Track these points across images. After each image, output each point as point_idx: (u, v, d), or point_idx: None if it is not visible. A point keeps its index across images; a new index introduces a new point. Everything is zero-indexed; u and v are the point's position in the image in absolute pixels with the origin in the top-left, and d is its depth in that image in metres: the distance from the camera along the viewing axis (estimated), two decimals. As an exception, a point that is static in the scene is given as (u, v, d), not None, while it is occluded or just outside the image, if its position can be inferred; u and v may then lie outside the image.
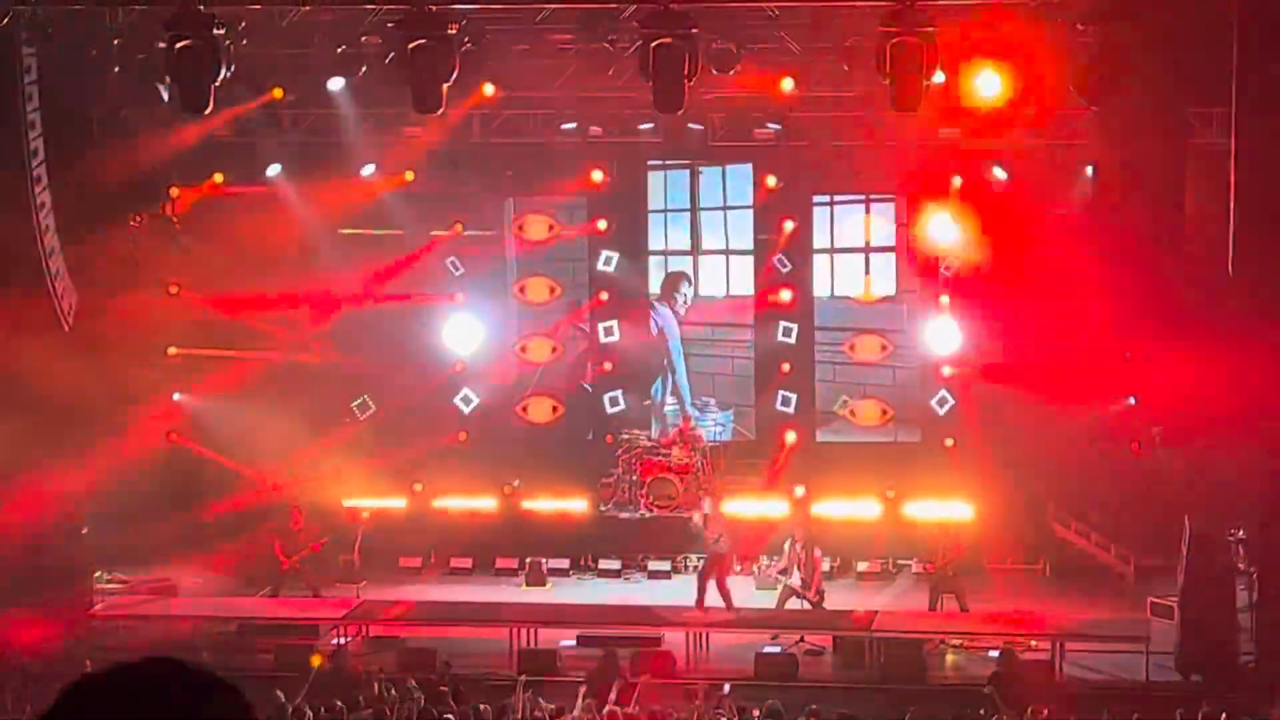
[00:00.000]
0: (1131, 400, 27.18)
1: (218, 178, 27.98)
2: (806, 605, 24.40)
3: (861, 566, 27.07)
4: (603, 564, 27.62)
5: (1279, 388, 20.74)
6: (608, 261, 29.35)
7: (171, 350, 27.97)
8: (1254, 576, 22.73)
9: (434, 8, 19.63)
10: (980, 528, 26.53)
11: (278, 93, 25.61)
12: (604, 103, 26.24)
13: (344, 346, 28.66)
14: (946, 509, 27.00)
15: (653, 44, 19.42)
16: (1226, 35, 18.83)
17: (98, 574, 25.40)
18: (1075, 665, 22.53)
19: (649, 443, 28.42)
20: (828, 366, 29.38)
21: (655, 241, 29.53)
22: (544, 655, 22.88)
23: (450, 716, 19.35)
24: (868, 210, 28.94)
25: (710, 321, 29.67)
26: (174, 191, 27.96)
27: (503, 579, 27.30)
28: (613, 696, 20.28)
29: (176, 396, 28.23)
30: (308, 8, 20.81)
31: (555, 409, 29.83)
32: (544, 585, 26.94)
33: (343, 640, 23.66)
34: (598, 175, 28.49)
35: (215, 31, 19.53)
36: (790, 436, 28.76)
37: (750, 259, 29.31)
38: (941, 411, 28.45)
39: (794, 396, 29.08)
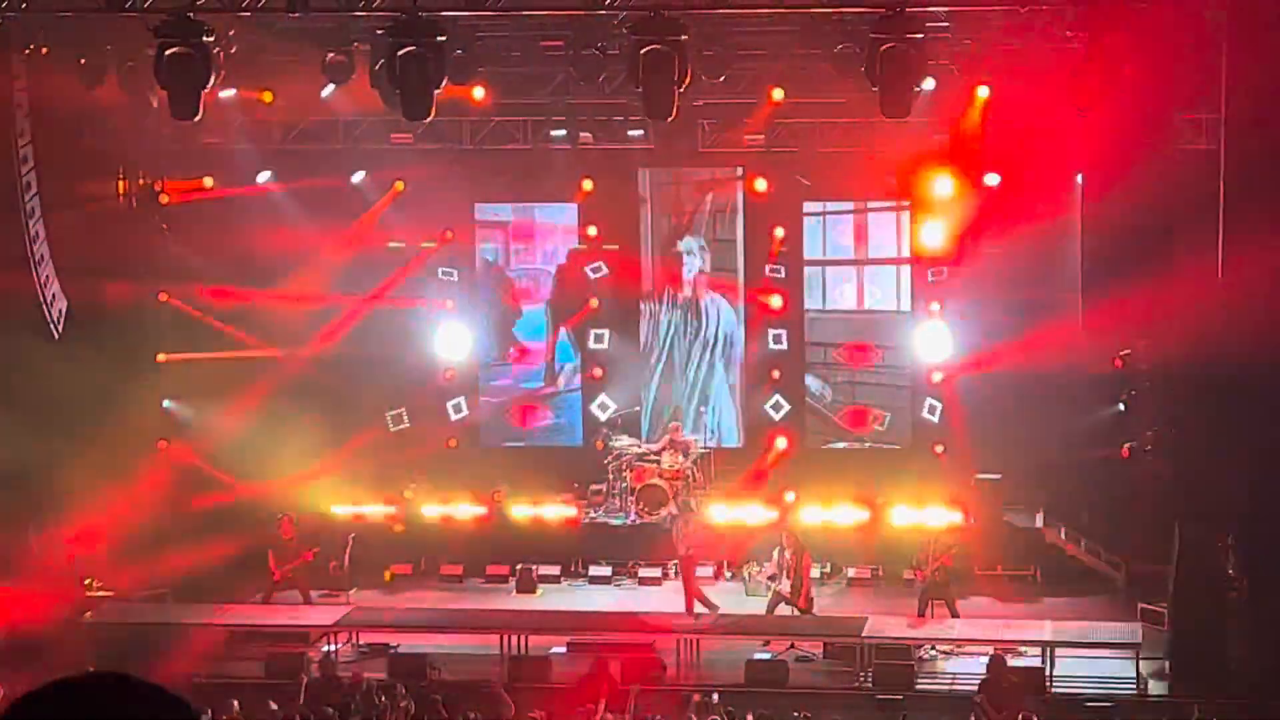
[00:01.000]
0: (1121, 407, 27.22)
1: (207, 182, 27.99)
2: (795, 612, 24.39)
3: (851, 573, 27.06)
4: (593, 570, 27.58)
5: None
6: (596, 269, 29.36)
7: (160, 357, 27.96)
8: (1244, 583, 22.73)
9: (424, 14, 19.62)
10: (970, 534, 26.53)
11: (267, 97, 25.60)
12: (594, 109, 26.25)
13: (336, 353, 28.64)
14: (936, 515, 27.00)
15: (642, 50, 19.42)
16: (1215, 41, 18.86)
17: (88, 581, 25.35)
18: (1066, 672, 22.52)
19: (639, 449, 28.40)
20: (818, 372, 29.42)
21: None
22: (534, 662, 22.86)
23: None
24: (863, 219, 28.97)
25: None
26: (163, 198, 27.96)
27: (493, 586, 27.27)
28: (603, 704, 20.28)
29: (166, 404, 28.21)
30: (297, 15, 20.78)
31: (545, 415, 29.84)
32: (534, 592, 26.91)
33: (333, 647, 23.63)
34: (588, 181, 28.53)
35: (205, 38, 19.52)
36: (780, 443, 28.77)
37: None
38: (932, 418, 28.47)
39: (784, 403, 29.10)
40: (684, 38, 19.55)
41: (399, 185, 28.43)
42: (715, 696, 20.62)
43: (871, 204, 28.75)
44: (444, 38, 19.88)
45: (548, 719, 19.94)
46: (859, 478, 27.70)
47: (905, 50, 19.01)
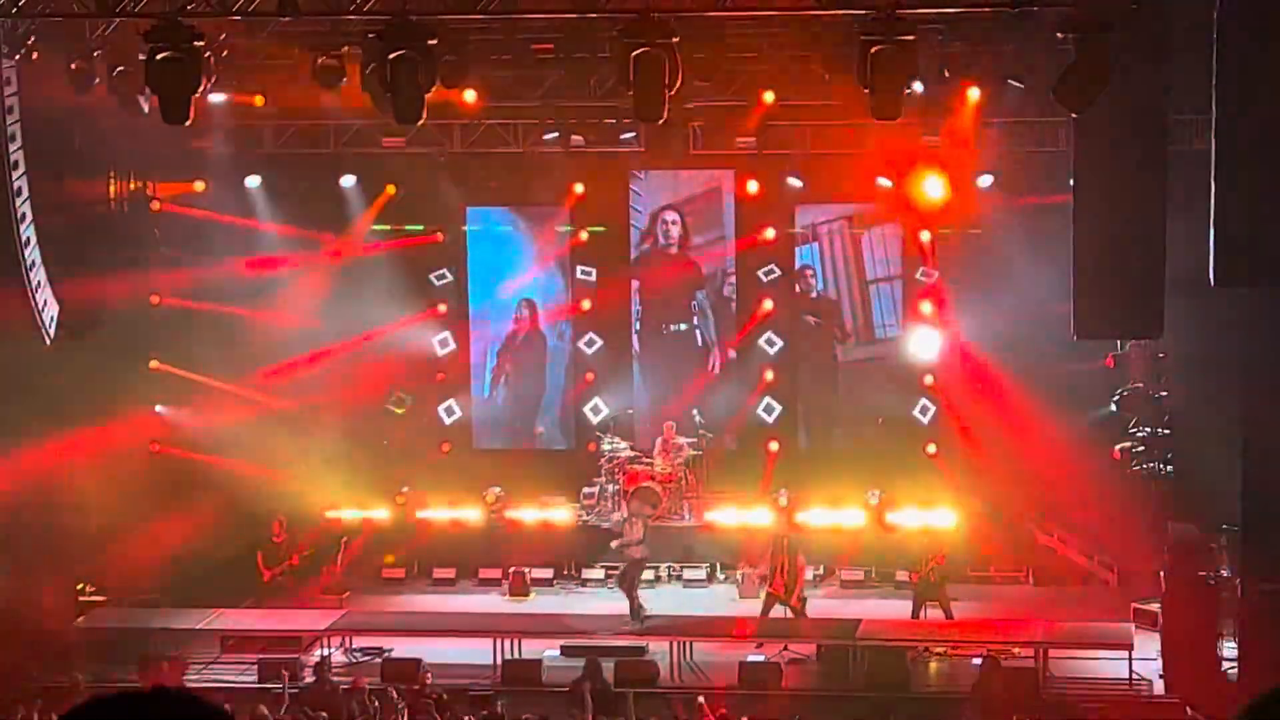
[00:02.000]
0: (1113, 407, 27.25)
1: (198, 186, 27.98)
2: (788, 613, 24.39)
3: (845, 574, 27.07)
4: (586, 574, 27.59)
5: None
6: (588, 272, 29.39)
7: (153, 364, 27.96)
8: (1237, 584, 22.75)
9: (415, 18, 19.61)
10: (963, 535, 26.58)
11: (258, 101, 25.58)
12: (585, 112, 26.24)
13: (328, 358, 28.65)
14: (929, 517, 27.04)
15: (633, 53, 19.41)
16: (1206, 41, 18.86)
17: (80, 586, 25.33)
18: (1059, 672, 22.54)
19: (631, 452, 28.40)
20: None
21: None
22: (528, 665, 22.86)
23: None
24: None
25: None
26: (154, 203, 27.96)
27: (486, 589, 27.26)
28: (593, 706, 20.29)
29: (159, 408, 28.20)
30: (288, 18, 20.76)
31: (538, 418, 29.87)
32: (527, 595, 26.91)
33: (326, 652, 23.61)
34: (579, 184, 28.54)
35: (196, 43, 19.50)
36: (773, 445, 28.79)
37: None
38: (924, 419, 28.51)
39: (777, 405, 29.12)
40: (674, 40, 19.53)
41: (390, 189, 28.43)
42: (699, 700, 20.61)
43: (863, 204, 28.77)
44: (435, 41, 19.87)
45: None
46: (852, 479, 27.70)
47: (896, 52, 19.00)
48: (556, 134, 27.00)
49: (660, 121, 20.46)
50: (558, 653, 23.37)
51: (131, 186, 27.91)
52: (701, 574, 27.45)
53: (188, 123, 20.06)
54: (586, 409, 29.50)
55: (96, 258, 25.99)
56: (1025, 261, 26.17)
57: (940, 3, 20.78)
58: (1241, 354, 23.02)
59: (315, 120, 26.47)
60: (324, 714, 19.90)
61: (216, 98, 23.37)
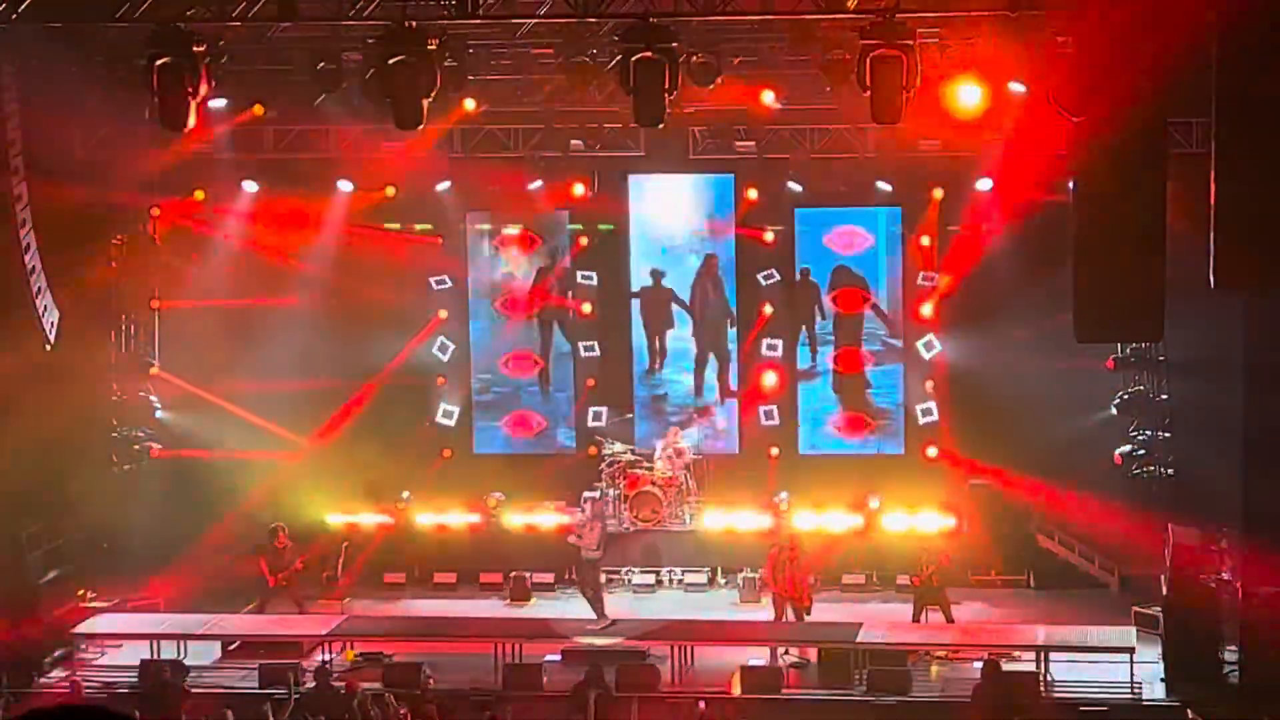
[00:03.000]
0: (1113, 410, 27.25)
1: (198, 194, 27.99)
2: (790, 614, 24.38)
3: (845, 579, 27.06)
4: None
5: None
6: (588, 276, 29.39)
7: (153, 370, 27.98)
8: (1238, 586, 22.76)
9: (414, 24, 19.63)
10: (964, 539, 26.57)
11: (258, 110, 25.58)
12: (585, 117, 26.24)
13: (329, 360, 28.63)
14: (930, 520, 27.03)
15: (633, 58, 19.43)
16: (1206, 45, 18.86)
17: (81, 591, 25.35)
18: (1060, 676, 22.53)
19: (632, 456, 28.39)
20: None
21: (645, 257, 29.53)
22: (529, 670, 22.85)
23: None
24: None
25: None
26: (155, 210, 27.97)
27: (487, 594, 27.26)
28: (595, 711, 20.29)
29: (159, 414, 28.21)
30: (288, 24, 20.78)
31: (537, 423, 29.87)
32: (528, 600, 26.91)
33: (327, 657, 23.61)
34: (579, 189, 28.54)
35: (196, 49, 19.52)
36: (773, 450, 28.80)
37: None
38: (924, 422, 28.51)
39: (776, 409, 29.12)
40: (674, 45, 19.56)
41: (389, 190, 28.42)
42: (700, 705, 20.62)
43: (864, 207, 28.79)
44: (434, 46, 19.88)
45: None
46: (853, 483, 27.70)
47: (896, 56, 19.02)
48: (556, 138, 26.96)
49: (660, 126, 20.47)
50: (559, 657, 23.36)
51: (131, 192, 27.90)
52: (703, 578, 27.44)
53: (188, 128, 20.09)
54: (588, 413, 29.48)
55: (97, 262, 26.00)
56: (1026, 265, 26.20)
57: (940, 6, 20.78)
58: (1242, 357, 23.03)
59: (315, 125, 26.44)
60: (325, 718, 19.92)
61: (216, 103, 23.35)
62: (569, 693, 21.22)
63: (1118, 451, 27.06)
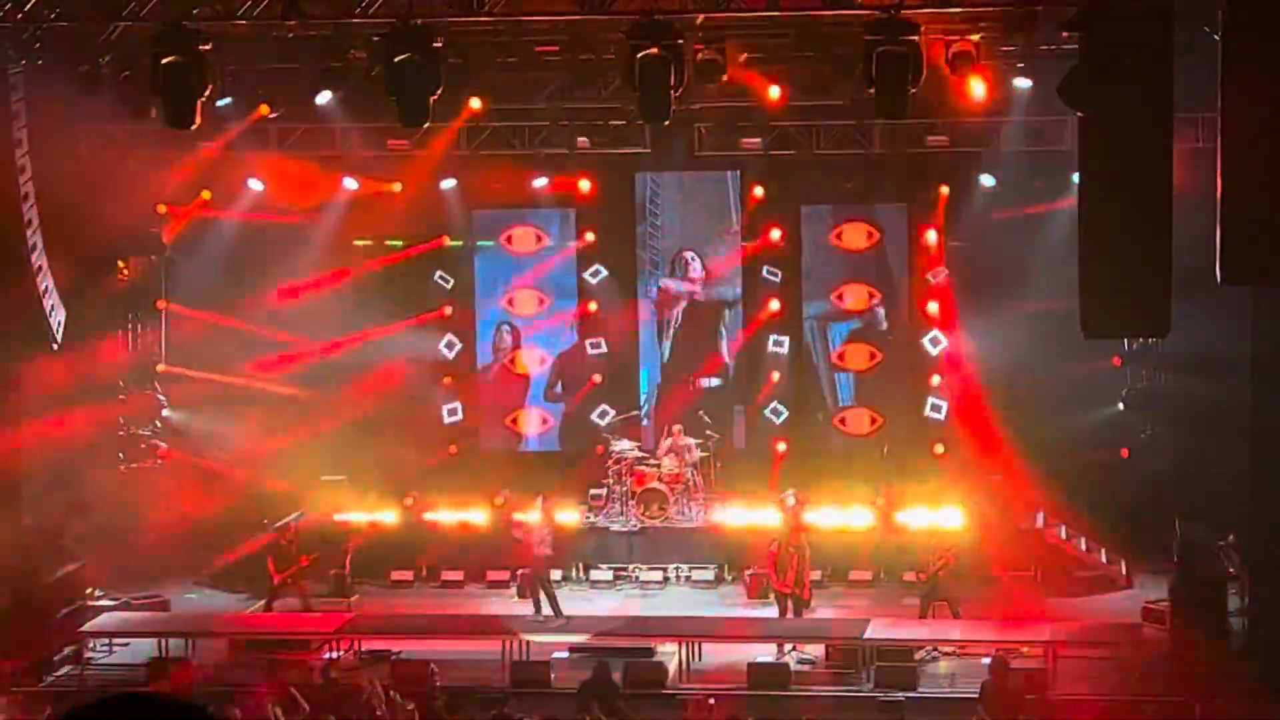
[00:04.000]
0: (1121, 406, 27.25)
1: (205, 194, 28.02)
2: (793, 606, 24.39)
3: (852, 575, 27.06)
4: (594, 575, 27.60)
5: None
6: (595, 273, 29.40)
7: (160, 368, 28.01)
8: (1245, 581, 22.75)
9: (420, 22, 19.63)
10: (971, 534, 26.56)
11: (264, 110, 25.60)
12: (591, 114, 26.24)
13: (333, 360, 28.70)
14: (937, 516, 27.03)
15: (638, 55, 19.42)
16: (1213, 37, 18.86)
17: (89, 590, 25.37)
18: (1068, 672, 22.52)
19: (639, 453, 28.40)
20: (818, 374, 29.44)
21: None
22: (536, 667, 22.85)
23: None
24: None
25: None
26: (162, 210, 28.00)
27: (494, 591, 27.26)
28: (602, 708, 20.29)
29: (166, 413, 28.24)
30: (294, 23, 20.79)
31: (544, 421, 29.89)
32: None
33: (335, 654, 23.62)
34: (585, 186, 28.54)
35: (202, 48, 19.52)
36: (780, 446, 28.81)
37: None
38: (933, 419, 28.49)
39: (783, 408, 29.13)
40: (680, 42, 19.55)
41: (396, 186, 28.44)
42: (711, 701, 20.61)
43: (869, 204, 28.79)
44: (440, 44, 19.89)
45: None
46: (860, 480, 27.71)
47: (901, 52, 19.01)
48: (562, 136, 26.96)
49: (666, 123, 20.46)
50: (567, 654, 23.37)
51: (138, 192, 27.92)
52: (709, 575, 27.44)
53: (193, 127, 20.10)
54: (593, 410, 29.50)
55: (104, 262, 26.02)
56: (1032, 260, 26.20)
57: (945, 2, 20.77)
58: (1250, 352, 23.01)
59: (321, 123, 26.45)
60: (331, 717, 19.91)
61: (222, 102, 23.37)
62: (576, 689, 21.22)
63: (1125, 447, 27.05)
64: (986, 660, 22.07)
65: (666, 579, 27.53)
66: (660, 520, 27.61)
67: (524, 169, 28.07)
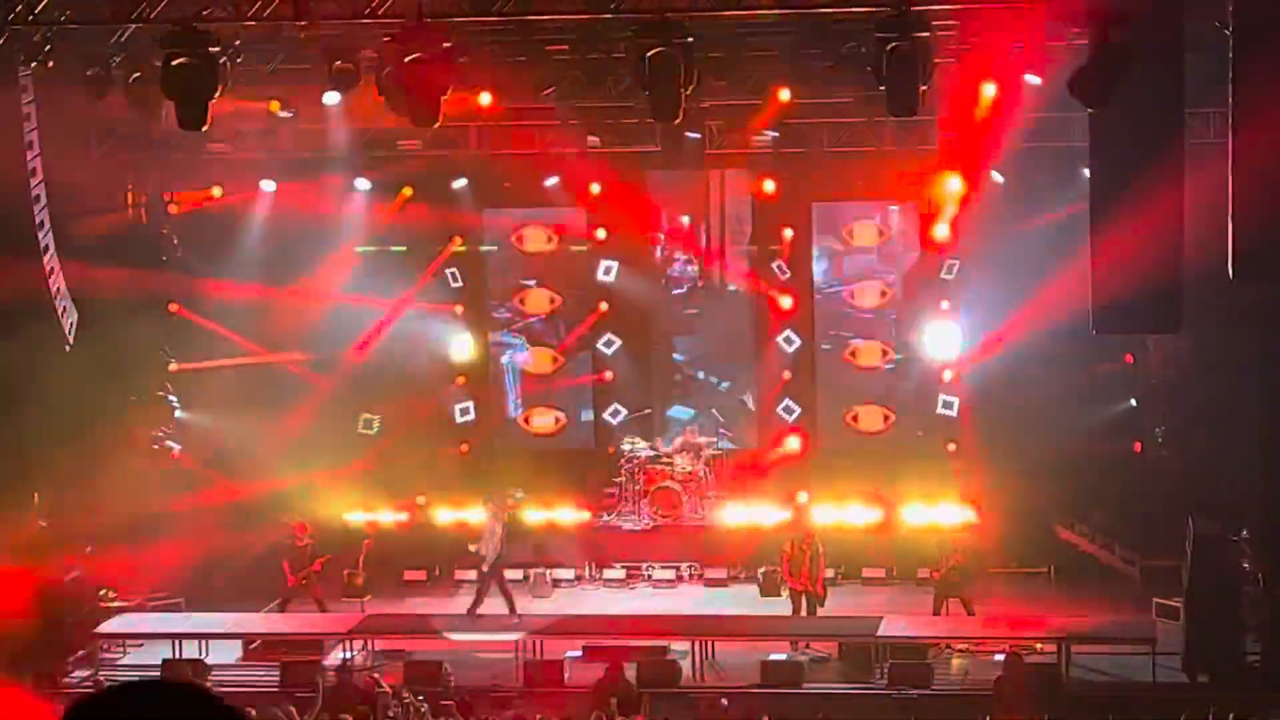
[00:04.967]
0: (1133, 401, 27.20)
1: (216, 191, 28.06)
2: (805, 604, 24.39)
3: (866, 572, 27.06)
4: (607, 574, 27.61)
5: None
6: (608, 271, 29.37)
7: (173, 367, 28.03)
8: (1259, 576, 22.72)
9: (429, 21, 19.62)
10: (984, 532, 26.55)
11: (274, 106, 25.62)
12: (601, 113, 26.24)
13: (344, 360, 28.71)
14: (950, 513, 27.02)
15: (648, 54, 19.41)
16: (1224, 33, 18.83)
17: (103, 591, 25.40)
18: (1081, 668, 22.51)
19: (652, 452, 28.40)
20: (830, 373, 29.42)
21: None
22: (550, 666, 22.86)
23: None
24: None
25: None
26: (172, 207, 28.04)
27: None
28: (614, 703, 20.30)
29: (178, 414, 28.26)
30: (303, 23, 20.79)
31: (557, 420, 29.89)
32: (548, 596, 26.93)
33: (349, 654, 23.64)
34: (596, 185, 28.55)
35: (212, 48, 19.53)
36: (792, 442, 28.79)
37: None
38: (944, 415, 28.45)
39: (795, 405, 29.10)
40: (689, 40, 19.53)
41: (407, 191, 28.46)
42: (724, 702, 20.62)
43: (880, 201, 28.78)
44: (450, 44, 19.89)
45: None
46: (872, 477, 27.70)
47: (911, 49, 18.99)
48: (573, 134, 26.96)
49: (676, 122, 20.46)
50: (580, 654, 23.38)
51: (149, 193, 27.98)
52: (722, 573, 27.43)
53: (204, 128, 20.11)
54: (606, 409, 29.50)
55: (115, 264, 26.04)
56: (1042, 256, 26.15)
57: (955, -1, 20.77)
58: (1262, 348, 22.98)
59: (332, 124, 26.44)
60: (348, 717, 19.94)
61: (233, 103, 23.38)
62: (590, 688, 21.23)
63: (1138, 443, 27.02)
64: (1000, 656, 22.09)
65: (679, 577, 27.52)
66: (672, 519, 27.61)
67: (535, 168, 28.05)
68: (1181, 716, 19.55)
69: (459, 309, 29.41)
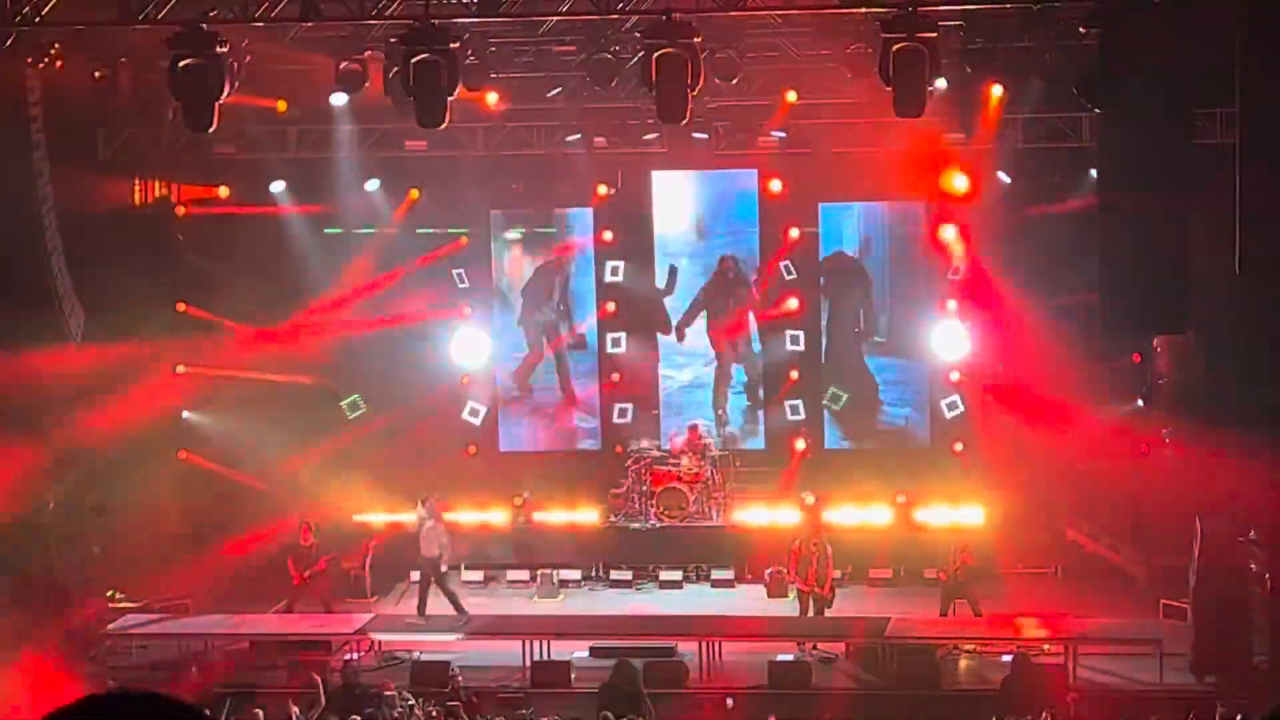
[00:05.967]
0: (1140, 402, 27.17)
1: (222, 192, 28.07)
2: (814, 606, 24.37)
3: (873, 573, 27.04)
4: (614, 575, 27.60)
5: None
6: (614, 271, 29.36)
7: (180, 369, 28.02)
8: (1266, 577, 22.68)
9: (437, 22, 19.64)
10: (991, 532, 26.54)
11: (281, 106, 25.63)
12: (608, 114, 26.24)
13: (352, 361, 28.71)
14: (957, 514, 27.01)
15: (655, 54, 19.41)
16: (1231, 33, 18.83)
17: (110, 593, 25.40)
18: (1088, 669, 22.48)
19: (658, 453, 28.40)
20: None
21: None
22: (557, 667, 22.86)
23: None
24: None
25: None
26: (179, 208, 28.06)
27: (515, 591, 27.28)
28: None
29: (186, 415, 28.27)
30: (310, 24, 20.80)
31: (564, 420, 29.86)
32: (556, 597, 26.93)
33: (355, 655, 23.64)
34: (603, 187, 28.55)
35: (219, 50, 19.55)
36: (799, 444, 28.79)
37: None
38: (951, 416, 28.44)
39: (802, 406, 29.08)
40: (696, 40, 19.54)
41: (414, 194, 28.47)
42: (729, 703, 20.61)
43: (886, 201, 28.76)
44: (457, 44, 19.90)
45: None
46: (879, 478, 27.68)
47: (918, 49, 18.99)
48: (580, 134, 26.97)
49: (683, 122, 20.46)
50: (587, 654, 23.37)
51: (156, 193, 27.98)
52: (729, 574, 27.42)
53: (211, 129, 20.12)
54: (613, 409, 29.48)
55: (122, 264, 26.04)
56: (1049, 257, 26.14)
57: (962, -1, 20.77)
58: (1269, 347, 22.94)
59: (339, 124, 26.45)
60: (356, 718, 19.93)
61: (239, 103, 23.39)
62: (597, 689, 21.22)
63: (1145, 442, 26.97)
64: (1008, 657, 22.07)
65: (686, 578, 27.51)
66: (679, 519, 27.60)
67: (541, 169, 28.04)
68: (1188, 718, 19.52)
69: (467, 310, 29.39)
